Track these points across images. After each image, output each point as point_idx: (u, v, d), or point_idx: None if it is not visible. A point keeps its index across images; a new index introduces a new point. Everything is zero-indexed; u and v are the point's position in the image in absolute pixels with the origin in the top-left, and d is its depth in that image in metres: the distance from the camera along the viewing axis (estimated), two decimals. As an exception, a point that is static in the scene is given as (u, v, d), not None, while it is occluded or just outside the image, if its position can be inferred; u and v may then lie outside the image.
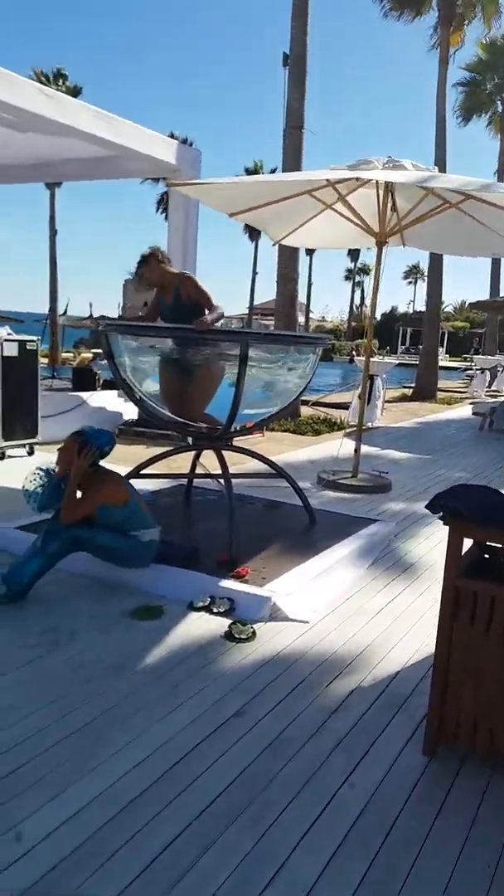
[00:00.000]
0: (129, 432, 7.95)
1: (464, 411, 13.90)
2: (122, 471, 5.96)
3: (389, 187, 5.60)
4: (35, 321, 18.45)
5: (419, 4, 15.52)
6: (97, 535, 3.29)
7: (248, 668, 2.66)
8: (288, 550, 3.88)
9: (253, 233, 45.65)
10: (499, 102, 23.45)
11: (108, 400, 8.61)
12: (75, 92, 25.45)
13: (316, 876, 1.65)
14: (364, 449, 7.28)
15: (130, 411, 8.53)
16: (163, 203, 39.95)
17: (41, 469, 3.46)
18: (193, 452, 4.70)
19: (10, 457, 6.35)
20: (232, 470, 4.55)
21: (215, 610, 3.15)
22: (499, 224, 5.79)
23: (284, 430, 9.27)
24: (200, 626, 3.01)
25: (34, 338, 6.54)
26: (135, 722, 2.24)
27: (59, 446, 3.44)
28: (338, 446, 7.57)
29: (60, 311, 22.90)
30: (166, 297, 4.19)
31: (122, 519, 3.32)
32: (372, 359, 10.19)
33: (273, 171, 43.06)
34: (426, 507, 2.16)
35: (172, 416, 4.14)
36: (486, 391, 18.58)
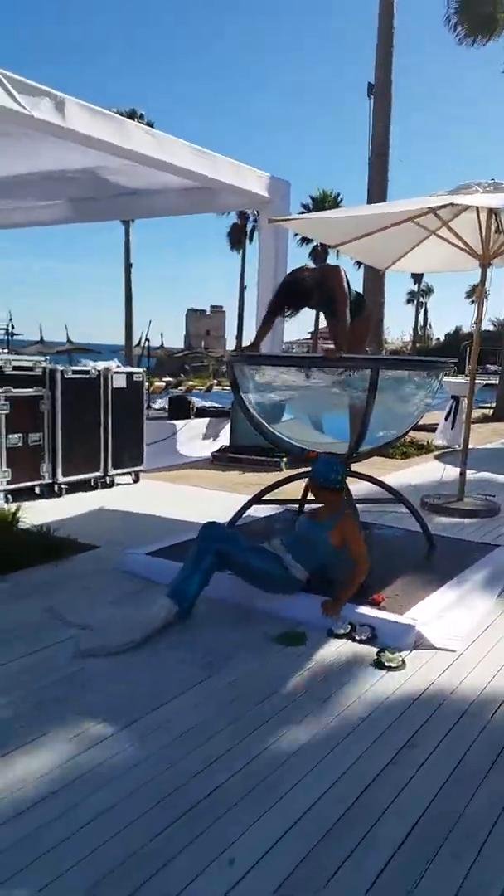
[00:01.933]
0: (224, 458, 8.07)
1: (549, 431, 13.54)
2: (227, 495, 6.15)
3: (493, 210, 5.57)
4: (112, 352, 19.09)
5: (492, 28, 15.50)
6: (245, 556, 3.35)
7: (405, 698, 2.66)
8: (416, 577, 3.86)
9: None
10: None
11: (200, 427, 8.80)
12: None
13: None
14: (458, 471, 7.22)
15: (222, 439, 8.70)
16: (235, 233, 40.50)
17: None
18: (306, 479, 4.73)
19: (117, 484, 6.56)
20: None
21: (357, 637, 3.15)
22: None
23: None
24: (346, 653, 3.03)
25: (140, 370, 6.76)
26: (310, 748, 2.28)
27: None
28: (432, 469, 7.52)
29: (136, 341, 23.61)
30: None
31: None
32: (456, 379, 10.09)
33: (337, 197, 43.20)
34: None
35: (295, 444, 4.19)
36: None
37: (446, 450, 10.00)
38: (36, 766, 2.14)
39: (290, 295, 3.80)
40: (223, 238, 42.58)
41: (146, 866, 1.74)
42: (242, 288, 40.57)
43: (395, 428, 4.12)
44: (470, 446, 10.35)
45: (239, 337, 41.89)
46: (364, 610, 3.30)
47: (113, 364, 6.51)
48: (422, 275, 54.14)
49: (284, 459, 7.68)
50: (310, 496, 4.73)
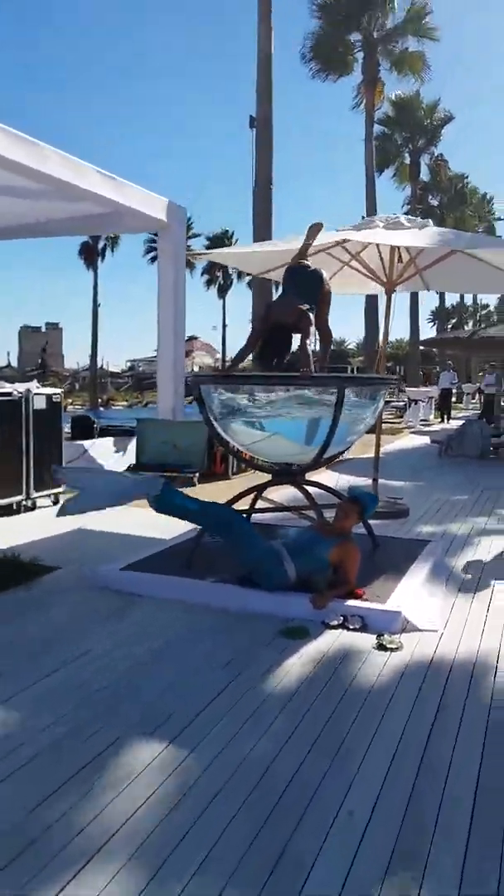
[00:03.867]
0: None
1: (411, 440, 14.79)
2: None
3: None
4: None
5: (342, 67, 16.80)
6: (245, 532, 3.80)
7: (416, 671, 3.03)
8: (377, 572, 4.26)
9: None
10: (406, 154, 25.38)
11: (107, 448, 8.79)
12: None
13: None
14: (354, 479, 7.91)
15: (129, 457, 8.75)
16: (87, 251, 40.17)
17: None
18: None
19: (39, 507, 6.46)
20: (260, 503, 4.93)
21: (350, 627, 3.50)
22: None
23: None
24: (348, 641, 3.35)
25: (59, 391, 6.72)
26: (362, 723, 2.57)
27: (340, 505, 4.07)
28: (328, 478, 8.09)
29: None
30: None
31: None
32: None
33: (188, 219, 44.07)
34: None
35: (256, 455, 4.48)
36: (419, 421, 19.76)
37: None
38: (137, 760, 2.27)
39: (279, 329, 4.22)
40: (72, 256, 41.99)
41: (281, 829, 1.96)
42: (96, 305, 40.18)
43: (349, 440, 4.55)
44: (351, 456, 11.24)
45: (94, 355, 41.15)
46: (351, 603, 3.66)
47: (33, 385, 6.44)
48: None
49: (196, 475, 7.93)
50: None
